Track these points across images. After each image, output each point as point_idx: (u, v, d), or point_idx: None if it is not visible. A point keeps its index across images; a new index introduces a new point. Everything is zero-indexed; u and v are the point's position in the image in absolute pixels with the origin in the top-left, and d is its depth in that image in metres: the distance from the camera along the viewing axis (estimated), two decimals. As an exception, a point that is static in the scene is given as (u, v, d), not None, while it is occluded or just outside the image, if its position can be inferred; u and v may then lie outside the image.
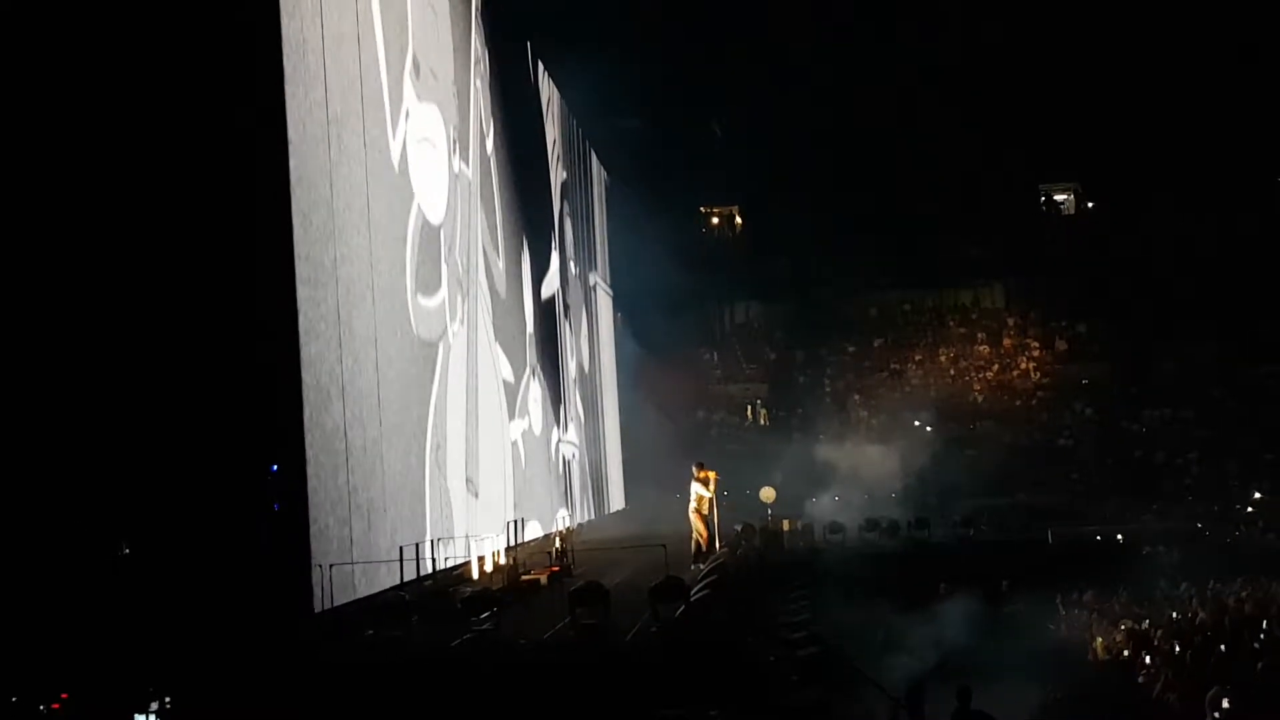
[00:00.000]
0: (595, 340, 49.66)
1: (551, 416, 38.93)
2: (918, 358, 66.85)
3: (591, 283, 49.28)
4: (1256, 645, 24.60)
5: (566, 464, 40.72)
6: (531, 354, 36.75)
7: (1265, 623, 26.34)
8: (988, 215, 68.50)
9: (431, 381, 26.06)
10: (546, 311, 39.48)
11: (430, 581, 22.82)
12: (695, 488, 28.94)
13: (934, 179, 68.23)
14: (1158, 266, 63.76)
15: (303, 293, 19.47)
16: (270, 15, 19.38)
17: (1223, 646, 24.75)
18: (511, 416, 33.54)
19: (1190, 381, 60.65)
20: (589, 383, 47.50)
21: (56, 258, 18.73)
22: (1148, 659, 24.95)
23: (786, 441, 54.83)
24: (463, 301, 28.86)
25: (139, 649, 17.23)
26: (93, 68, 18.91)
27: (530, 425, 35.84)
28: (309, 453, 19.31)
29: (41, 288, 18.72)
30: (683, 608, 19.01)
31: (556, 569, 26.37)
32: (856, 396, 64.07)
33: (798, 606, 27.18)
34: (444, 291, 27.27)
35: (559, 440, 39.76)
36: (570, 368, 44.36)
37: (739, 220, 75.67)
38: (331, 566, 19.61)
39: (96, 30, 19.02)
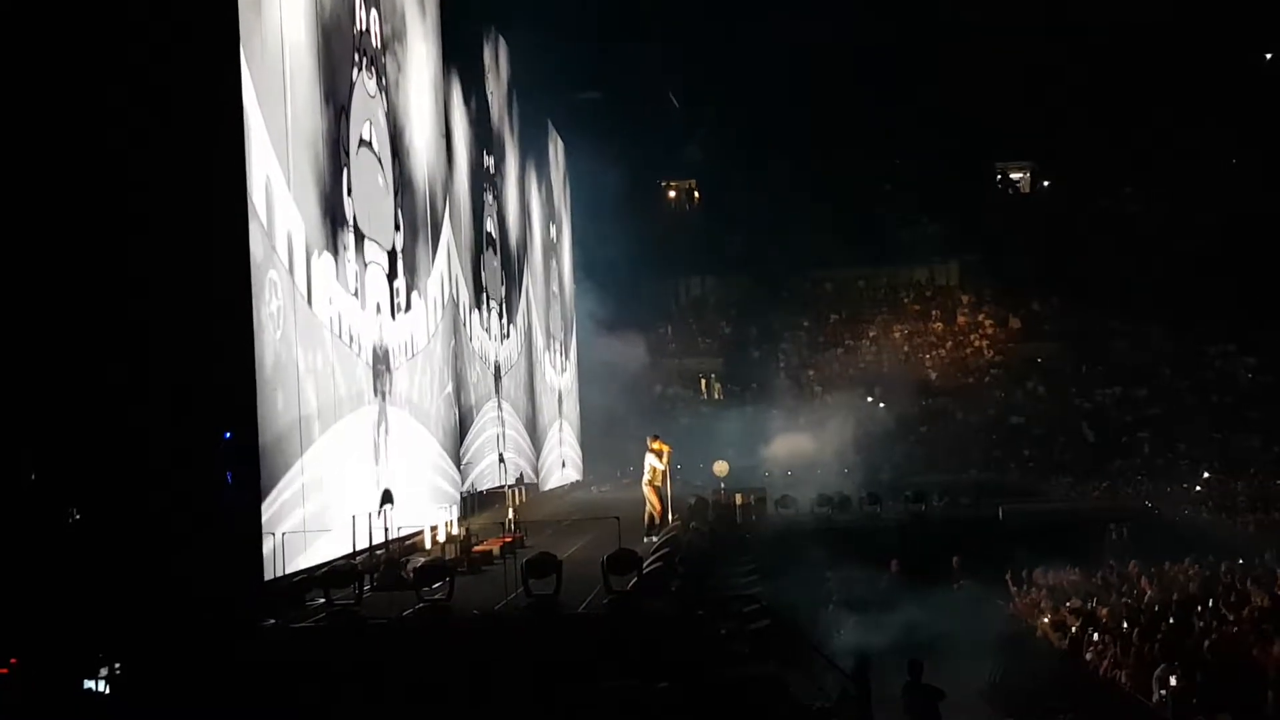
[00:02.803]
0: (558, 313, 49.63)
1: (512, 386, 38.90)
2: (872, 334, 67.14)
3: (554, 256, 49.26)
4: (1202, 624, 24.80)
5: (522, 434, 40.69)
6: (494, 325, 36.72)
7: (1212, 601, 26.56)
8: (943, 193, 68.74)
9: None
10: (510, 281, 39.45)
11: (383, 551, 22.75)
12: (649, 460, 28.92)
13: (891, 156, 68.55)
14: (1111, 246, 64.15)
15: (257, 258, 19.36)
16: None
17: (1170, 623, 24.95)
18: (470, 387, 33.49)
19: (1142, 361, 61.14)
20: (551, 352, 47.48)
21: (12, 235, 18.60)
22: (1096, 636, 25.13)
23: (740, 415, 54.94)
24: (426, 271, 28.81)
25: (89, 615, 17.14)
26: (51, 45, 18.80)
27: (489, 395, 35.81)
28: (262, 419, 19.22)
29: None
30: (635, 580, 19.00)
31: (509, 539, 26.32)
32: (810, 372, 64.28)
33: (749, 580, 27.26)
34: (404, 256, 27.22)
35: (516, 409, 39.72)
36: (538, 340, 44.46)
37: (696, 194, 75.69)
38: (284, 534, 19.55)
39: None
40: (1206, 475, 49.91)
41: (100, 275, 18.52)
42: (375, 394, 25.15)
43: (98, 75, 18.57)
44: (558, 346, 50.60)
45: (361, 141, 25.21)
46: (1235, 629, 24.42)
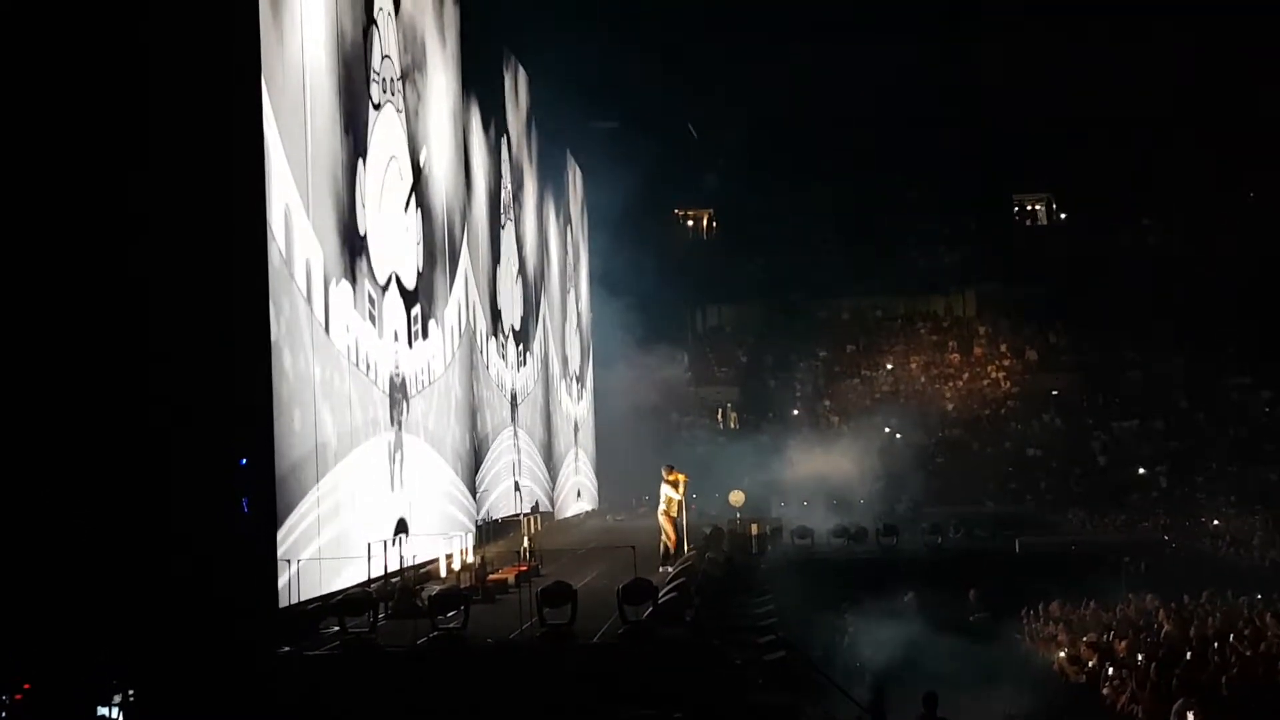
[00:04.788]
0: (575, 341, 49.64)
1: (528, 414, 38.87)
2: (889, 364, 67.11)
3: (571, 284, 49.28)
4: (1219, 659, 24.64)
5: (538, 462, 40.65)
6: (511, 353, 36.73)
7: (1231, 636, 26.39)
8: (961, 223, 68.77)
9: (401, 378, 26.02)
10: (527, 309, 39.46)
11: (398, 579, 22.72)
12: (664, 490, 28.89)
13: (909, 186, 68.60)
14: (1128, 278, 64.06)
15: (275, 286, 19.39)
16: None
17: (1189, 658, 24.79)
18: (486, 415, 33.49)
19: (1158, 393, 61.00)
20: (567, 381, 47.47)
21: (26, 248, 18.61)
22: (1112, 670, 24.97)
23: (756, 445, 54.85)
24: (444, 299, 28.83)
25: (102, 641, 17.12)
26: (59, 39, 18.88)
27: (505, 423, 35.79)
28: (278, 447, 19.22)
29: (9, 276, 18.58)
30: (650, 609, 18.95)
31: (524, 568, 26.27)
32: (827, 401, 64.22)
33: (765, 610, 27.17)
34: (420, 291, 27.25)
35: (531, 437, 39.69)
36: (555, 368, 44.43)
37: (714, 223, 75.78)
38: (299, 561, 19.53)
39: None
40: (1224, 509, 49.72)
41: (121, 301, 18.54)
42: (391, 422, 25.15)
43: (118, 100, 18.63)
44: (574, 375, 50.59)
45: (380, 170, 25.25)
46: (1254, 664, 24.26)
